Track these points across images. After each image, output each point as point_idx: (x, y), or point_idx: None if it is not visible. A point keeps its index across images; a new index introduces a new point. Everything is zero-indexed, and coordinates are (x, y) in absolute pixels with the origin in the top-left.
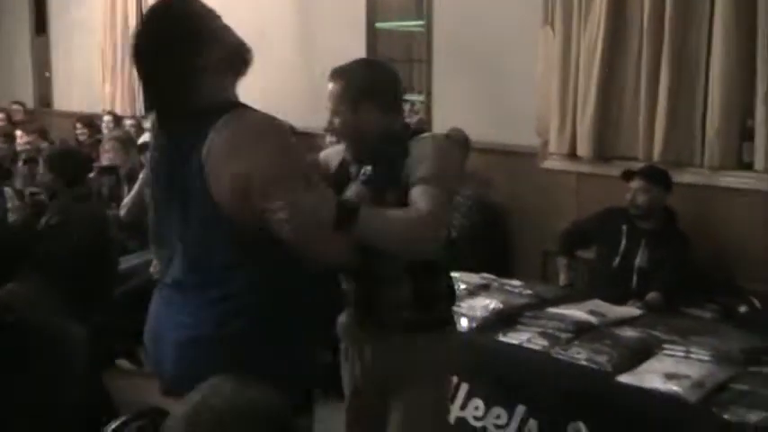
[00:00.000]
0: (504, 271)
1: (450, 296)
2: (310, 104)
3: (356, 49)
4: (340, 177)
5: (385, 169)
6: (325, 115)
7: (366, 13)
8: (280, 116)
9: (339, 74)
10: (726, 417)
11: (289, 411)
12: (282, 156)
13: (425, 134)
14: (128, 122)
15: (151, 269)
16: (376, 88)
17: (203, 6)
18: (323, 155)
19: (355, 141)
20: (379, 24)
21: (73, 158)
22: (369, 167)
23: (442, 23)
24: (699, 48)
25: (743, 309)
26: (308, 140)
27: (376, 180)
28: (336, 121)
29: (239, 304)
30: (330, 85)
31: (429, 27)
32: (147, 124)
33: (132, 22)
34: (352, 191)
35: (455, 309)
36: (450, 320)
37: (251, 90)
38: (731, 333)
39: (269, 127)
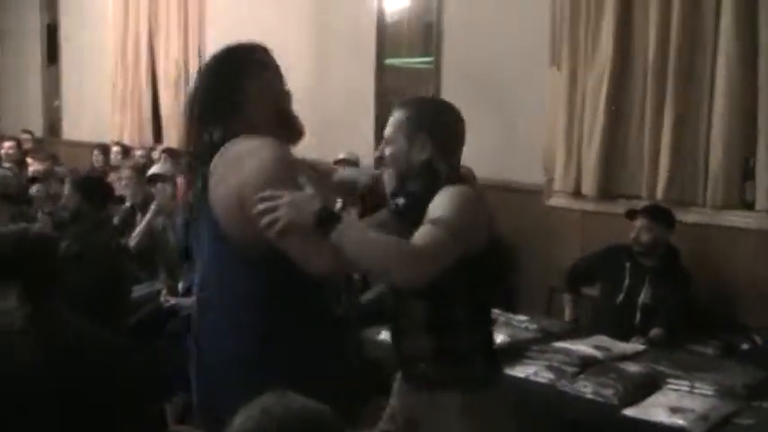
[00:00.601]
0: (510, 306)
1: (484, 354)
2: (321, 137)
3: (365, 85)
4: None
5: (414, 206)
6: (336, 148)
7: (376, 49)
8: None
9: (405, 104)
10: None
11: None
12: (272, 167)
13: (455, 186)
14: (137, 153)
15: (161, 298)
16: (436, 125)
17: (259, 60)
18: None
19: (400, 173)
20: (388, 60)
21: (99, 182)
22: (402, 199)
23: (451, 61)
24: (702, 88)
25: (745, 345)
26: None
27: (404, 213)
28: (388, 150)
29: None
30: (394, 114)
31: (438, 64)
32: (156, 155)
33: (144, 53)
34: (378, 217)
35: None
36: (485, 380)
37: None
38: (734, 368)
39: (262, 142)
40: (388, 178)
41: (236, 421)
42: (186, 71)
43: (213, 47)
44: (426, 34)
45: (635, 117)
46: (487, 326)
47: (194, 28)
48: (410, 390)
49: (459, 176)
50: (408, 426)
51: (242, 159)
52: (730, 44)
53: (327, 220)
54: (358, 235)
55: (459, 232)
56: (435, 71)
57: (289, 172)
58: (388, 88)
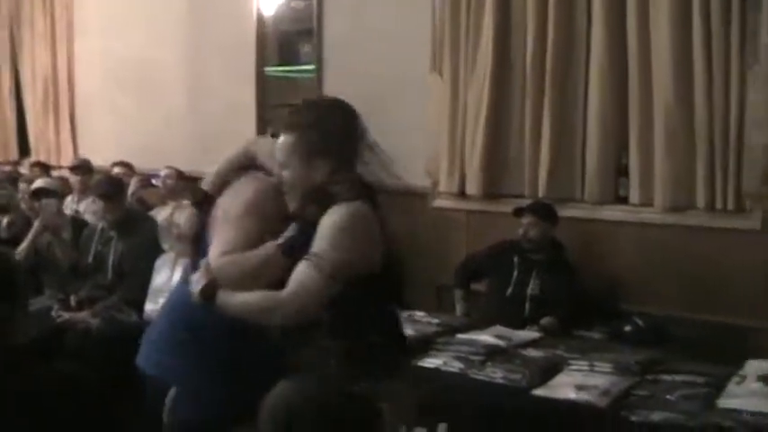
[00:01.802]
0: (400, 305)
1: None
2: (198, 148)
3: (245, 95)
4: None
5: (303, 234)
6: (214, 158)
7: (256, 59)
8: (167, 159)
9: (294, 126)
10: (633, 418)
11: None
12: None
13: (345, 204)
14: (5, 168)
15: (53, 314)
16: (331, 145)
17: None
18: None
19: (302, 195)
20: (269, 69)
21: None
22: (290, 228)
23: (333, 69)
24: (577, 93)
25: (628, 328)
26: (192, 183)
27: (288, 252)
28: (285, 174)
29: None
30: (284, 137)
31: (319, 72)
32: (24, 169)
33: (6, 64)
34: (267, 248)
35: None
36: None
37: (136, 132)
38: (623, 349)
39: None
40: (290, 199)
41: None
42: (56, 84)
43: (84, 59)
44: (307, 42)
45: (515, 120)
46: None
47: (62, 40)
48: None
49: (359, 189)
50: None
51: None
52: (602, 50)
53: (208, 296)
54: (233, 300)
55: (336, 267)
56: (318, 79)
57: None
58: (269, 98)
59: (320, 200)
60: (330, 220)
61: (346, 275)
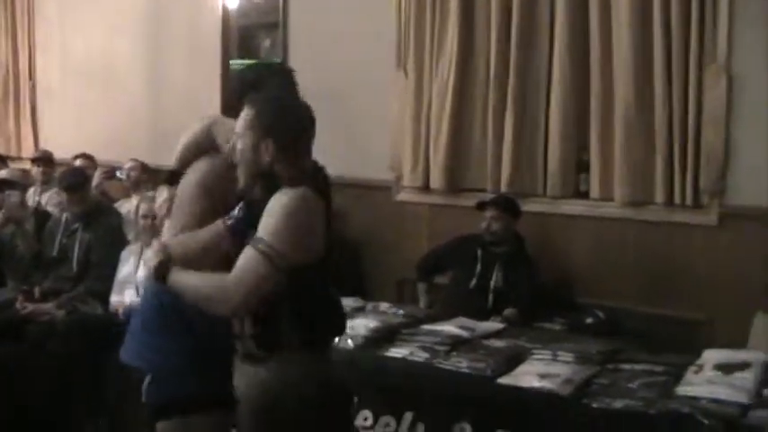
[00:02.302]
0: (363, 297)
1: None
2: (158, 140)
3: (209, 87)
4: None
5: (250, 214)
6: (172, 151)
7: (221, 52)
8: (129, 152)
9: (256, 101)
10: (595, 406)
11: None
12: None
13: (291, 189)
14: None
15: (17, 305)
16: (280, 128)
17: None
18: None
19: (249, 173)
20: (234, 62)
21: None
22: (239, 208)
23: (297, 63)
24: (539, 90)
25: (589, 320)
26: (155, 176)
27: (235, 233)
28: (238, 144)
29: None
30: (246, 109)
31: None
32: None
33: None
34: (215, 227)
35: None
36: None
37: (98, 124)
38: (583, 340)
39: None
40: (239, 174)
41: None
42: (16, 75)
43: (45, 50)
44: (268, 36)
45: (479, 116)
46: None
47: (23, 30)
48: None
49: (305, 176)
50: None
51: None
52: (564, 49)
53: (159, 276)
54: (182, 283)
55: (281, 255)
56: None
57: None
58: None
59: (266, 181)
60: (277, 205)
61: (291, 264)
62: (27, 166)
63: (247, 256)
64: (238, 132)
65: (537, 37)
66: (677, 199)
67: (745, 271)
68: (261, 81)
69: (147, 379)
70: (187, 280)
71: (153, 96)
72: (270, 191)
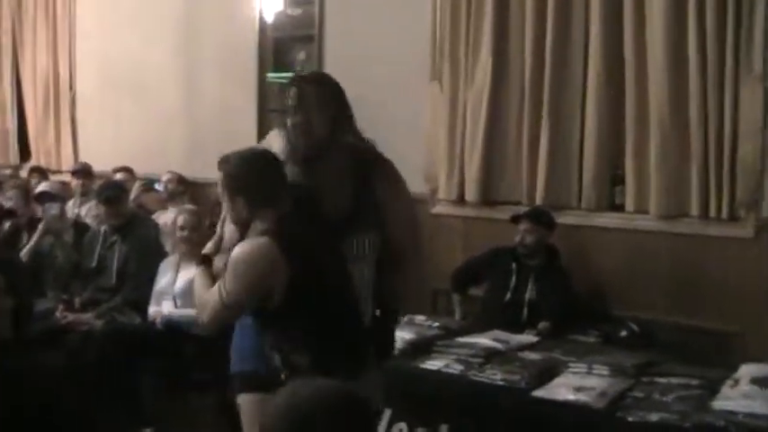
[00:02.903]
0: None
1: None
2: (193, 151)
3: (245, 100)
4: None
5: None
6: (213, 167)
7: (257, 63)
8: (166, 163)
9: (224, 162)
10: (630, 419)
11: None
12: None
13: (247, 241)
14: (5, 171)
15: (58, 314)
16: (249, 185)
17: None
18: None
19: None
20: (270, 75)
21: None
22: None
23: (333, 75)
24: (574, 103)
25: (623, 333)
26: (192, 188)
27: None
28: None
29: None
30: (219, 172)
31: None
32: (24, 173)
33: (7, 69)
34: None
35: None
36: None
37: (135, 136)
38: (618, 352)
39: None
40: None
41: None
42: (57, 88)
43: (85, 62)
44: (308, 48)
45: (513, 128)
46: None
47: (64, 43)
48: None
49: (268, 226)
50: None
51: None
52: (599, 60)
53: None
54: (198, 280)
55: (230, 296)
56: None
57: None
58: (270, 104)
59: (243, 233)
60: (233, 254)
61: (242, 303)
62: (67, 178)
63: (213, 290)
64: (221, 195)
65: (571, 50)
66: (713, 212)
67: None
68: (301, 92)
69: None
70: (199, 282)
71: (188, 109)
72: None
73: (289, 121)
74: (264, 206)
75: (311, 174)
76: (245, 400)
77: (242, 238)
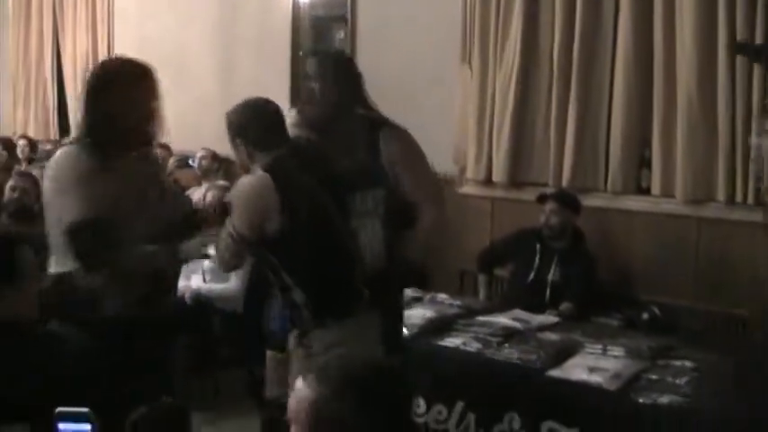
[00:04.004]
0: (425, 288)
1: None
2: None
3: (279, 79)
4: None
5: None
6: None
7: (291, 44)
8: (197, 139)
9: (227, 113)
10: (641, 401)
11: None
12: None
13: (248, 175)
14: (46, 147)
15: None
16: (242, 128)
17: None
18: None
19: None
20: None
21: None
22: None
23: (365, 55)
24: (602, 86)
25: (645, 316)
26: (225, 164)
27: None
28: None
29: None
30: None
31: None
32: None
33: (48, 49)
34: None
35: None
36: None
37: (170, 113)
38: (637, 335)
39: None
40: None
41: None
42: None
43: (122, 43)
44: (341, 29)
45: (541, 110)
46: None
47: (103, 24)
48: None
49: (267, 163)
50: None
51: None
52: (628, 43)
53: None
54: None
55: (235, 228)
56: None
57: None
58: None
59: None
60: (233, 190)
61: (245, 233)
62: None
63: (224, 227)
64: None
65: (601, 30)
66: (739, 196)
67: None
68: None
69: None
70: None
71: (223, 86)
72: None
73: (304, 89)
74: (261, 149)
75: (322, 138)
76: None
77: None
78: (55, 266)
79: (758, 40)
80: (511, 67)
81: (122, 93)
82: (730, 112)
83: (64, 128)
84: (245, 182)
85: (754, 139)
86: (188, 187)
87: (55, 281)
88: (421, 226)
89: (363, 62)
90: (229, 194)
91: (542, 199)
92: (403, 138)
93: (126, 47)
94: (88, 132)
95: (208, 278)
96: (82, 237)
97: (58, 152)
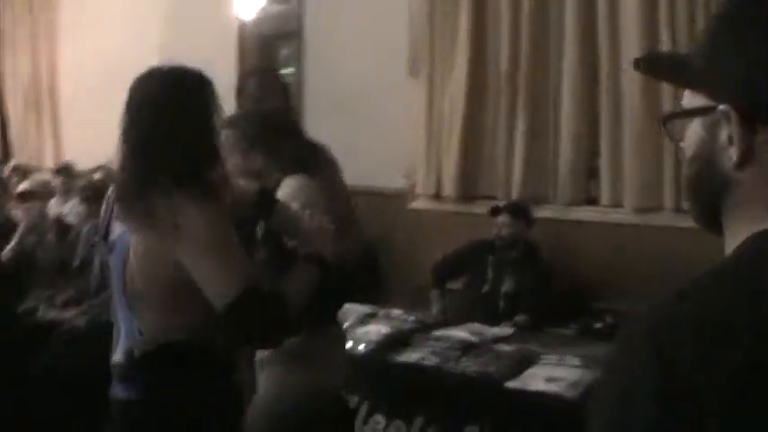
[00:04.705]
0: (379, 304)
1: None
2: None
3: (226, 97)
4: None
5: None
6: None
7: (237, 61)
8: None
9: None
10: None
11: None
12: None
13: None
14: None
15: (40, 313)
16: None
17: None
18: None
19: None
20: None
21: None
22: None
23: (313, 71)
24: (550, 98)
25: (599, 324)
26: None
27: None
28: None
29: None
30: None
31: (300, 75)
32: (6, 172)
33: None
34: None
35: None
36: None
37: (116, 136)
38: (592, 344)
39: None
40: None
41: None
42: (37, 86)
43: (67, 61)
44: (290, 45)
45: (490, 124)
46: None
47: (46, 43)
48: None
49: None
50: None
51: None
52: (574, 56)
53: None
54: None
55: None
56: (298, 83)
57: None
58: None
59: None
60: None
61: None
62: (49, 176)
63: None
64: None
65: (547, 46)
66: (686, 204)
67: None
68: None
69: None
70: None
71: None
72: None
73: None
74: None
75: None
76: None
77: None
78: None
79: None
80: (459, 81)
81: None
82: None
83: (5, 152)
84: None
85: None
86: None
87: None
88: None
89: (312, 78)
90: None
91: (495, 212)
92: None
93: (70, 65)
94: None
95: None
96: None
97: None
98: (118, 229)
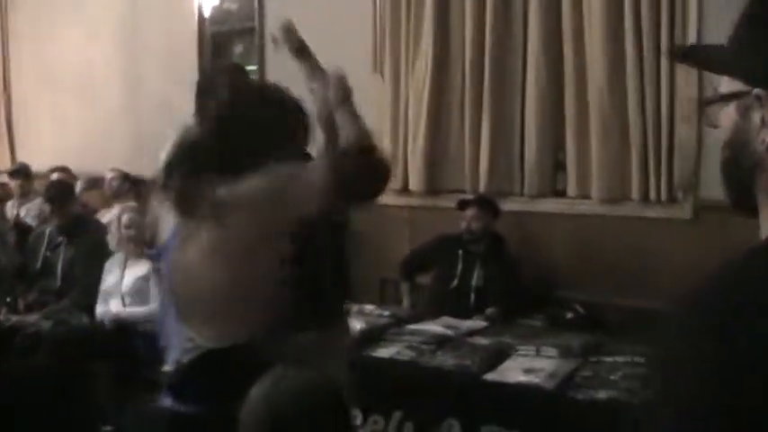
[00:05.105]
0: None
1: None
2: (136, 148)
3: (186, 94)
4: None
5: None
6: (156, 161)
7: (198, 57)
8: (105, 159)
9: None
10: (579, 397)
11: None
12: None
13: None
14: None
15: (1, 317)
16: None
17: None
18: None
19: None
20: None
21: None
22: None
23: (274, 68)
24: (514, 91)
25: (569, 315)
26: (136, 186)
27: None
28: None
29: None
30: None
31: (262, 73)
32: None
33: None
34: None
35: None
36: None
37: (75, 134)
38: (565, 334)
39: None
40: None
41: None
42: None
43: (20, 63)
44: (246, 41)
45: (455, 118)
46: None
47: None
48: None
49: None
50: None
51: None
52: (538, 49)
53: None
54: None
55: None
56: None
57: None
58: None
59: None
60: None
61: None
62: (4, 179)
63: None
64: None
65: (511, 39)
66: (652, 195)
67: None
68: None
69: None
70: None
71: (130, 105)
72: None
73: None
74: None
75: None
76: None
77: None
78: None
79: (663, 42)
80: (423, 75)
81: None
82: (641, 113)
83: None
84: None
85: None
86: (98, 209)
87: None
88: None
89: (274, 74)
90: None
91: (463, 205)
92: None
93: (25, 68)
94: None
95: (128, 301)
96: None
97: None
98: (165, 235)
